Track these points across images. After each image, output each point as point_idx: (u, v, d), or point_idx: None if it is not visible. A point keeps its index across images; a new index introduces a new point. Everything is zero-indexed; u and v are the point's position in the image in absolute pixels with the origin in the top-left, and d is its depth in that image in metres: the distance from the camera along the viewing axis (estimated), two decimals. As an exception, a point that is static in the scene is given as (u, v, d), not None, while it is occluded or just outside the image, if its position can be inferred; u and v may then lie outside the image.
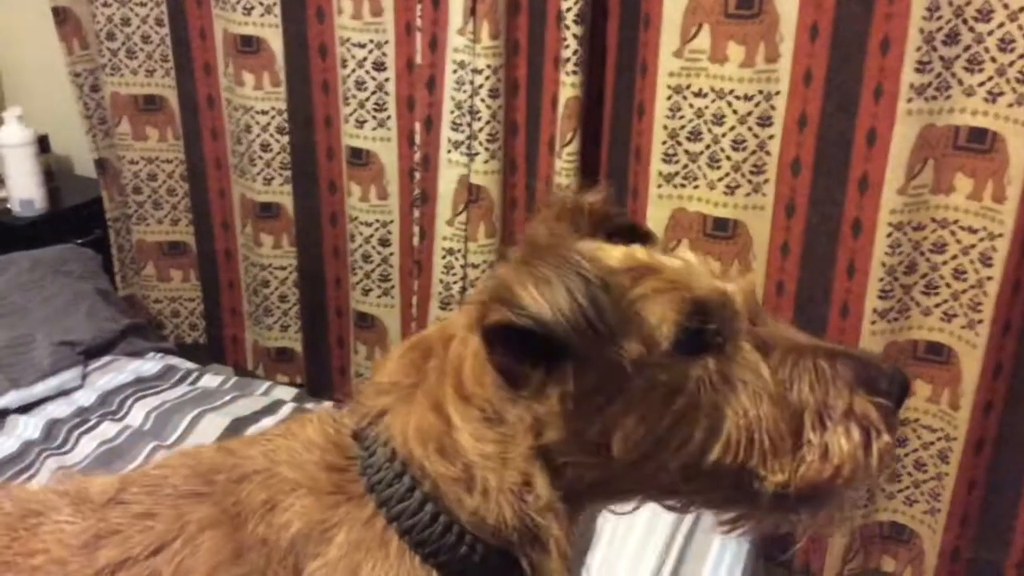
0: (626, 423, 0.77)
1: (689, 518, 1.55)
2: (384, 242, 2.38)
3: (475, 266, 2.19)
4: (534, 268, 0.72)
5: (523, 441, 0.78)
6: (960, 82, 1.70)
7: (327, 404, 2.00)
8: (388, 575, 0.80)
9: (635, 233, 0.93)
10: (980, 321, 1.80)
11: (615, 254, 0.82)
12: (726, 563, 1.46)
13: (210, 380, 2.05)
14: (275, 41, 2.32)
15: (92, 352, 2.09)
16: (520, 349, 0.76)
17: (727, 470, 0.80)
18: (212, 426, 1.80)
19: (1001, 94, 1.68)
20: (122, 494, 0.91)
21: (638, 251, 0.84)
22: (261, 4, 2.30)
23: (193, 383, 2.02)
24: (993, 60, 1.67)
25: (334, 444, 0.87)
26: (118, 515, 0.88)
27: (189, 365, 2.13)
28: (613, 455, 0.78)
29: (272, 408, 1.89)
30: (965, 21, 1.67)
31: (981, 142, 1.72)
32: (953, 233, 1.79)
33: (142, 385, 1.98)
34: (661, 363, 0.76)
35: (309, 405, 1.94)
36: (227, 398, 1.92)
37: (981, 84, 1.69)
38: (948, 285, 1.83)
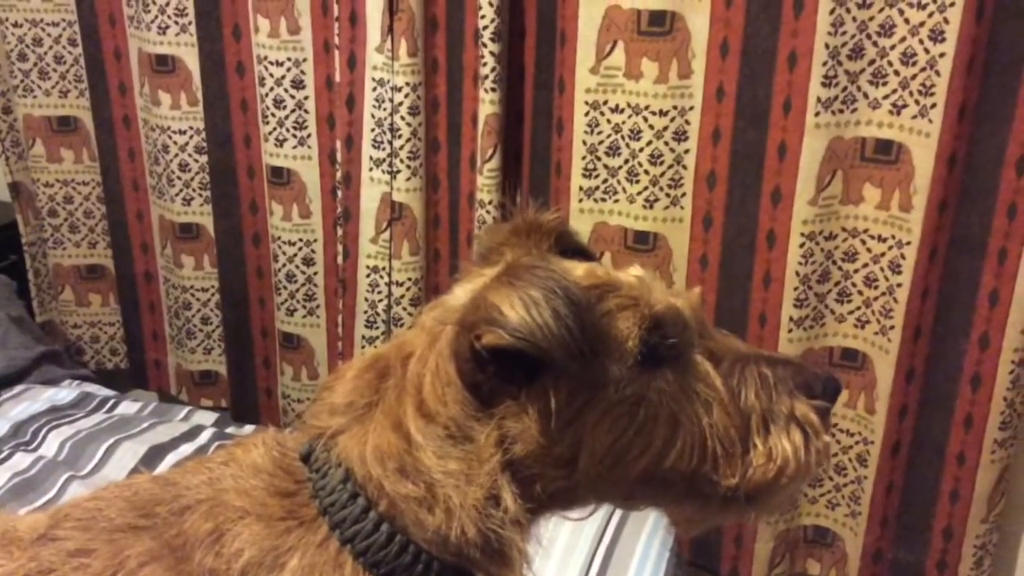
0: (594, 435, 0.80)
1: (611, 530, 1.56)
2: (308, 261, 2.36)
3: (399, 284, 2.18)
4: (520, 289, 0.74)
5: (490, 457, 0.79)
6: (865, 95, 1.75)
7: (248, 428, 1.97)
8: None
9: (582, 253, 0.97)
10: (892, 327, 1.84)
11: (578, 271, 0.84)
12: (647, 572, 1.47)
13: (128, 407, 2.00)
14: (191, 60, 2.29)
15: (4, 381, 2.02)
16: (501, 368, 0.77)
17: (681, 475, 0.84)
18: (129, 454, 1.75)
19: (905, 106, 1.73)
20: (53, 530, 0.88)
21: (597, 268, 0.87)
22: (176, 23, 2.27)
23: (110, 410, 1.97)
24: (896, 73, 1.72)
25: (281, 468, 0.86)
26: (50, 553, 0.85)
27: (106, 392, 2.08)
28: (579, 467, 0.81)
29: (192, 434, 1.85)
30: (869, 36, 1.72)
31: (887, 153, 1.77)
32: (863, 242, 1.84)
33: (57, 414, 1.92)
34: (628, 377, 0.80)
35: (229, 429, 1.91)
36: (144, 425, 1.87)
37: (886, 97, 1.74)
38: (860, 292, 1.87)
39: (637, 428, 0.81)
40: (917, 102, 1.72)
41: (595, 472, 0.82)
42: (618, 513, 1.61)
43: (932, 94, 1.69)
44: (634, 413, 0.80)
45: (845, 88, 1.74)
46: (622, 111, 1.89)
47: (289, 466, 0.87)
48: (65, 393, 2.04)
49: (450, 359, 0.80)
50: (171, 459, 1.74)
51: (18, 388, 2.03)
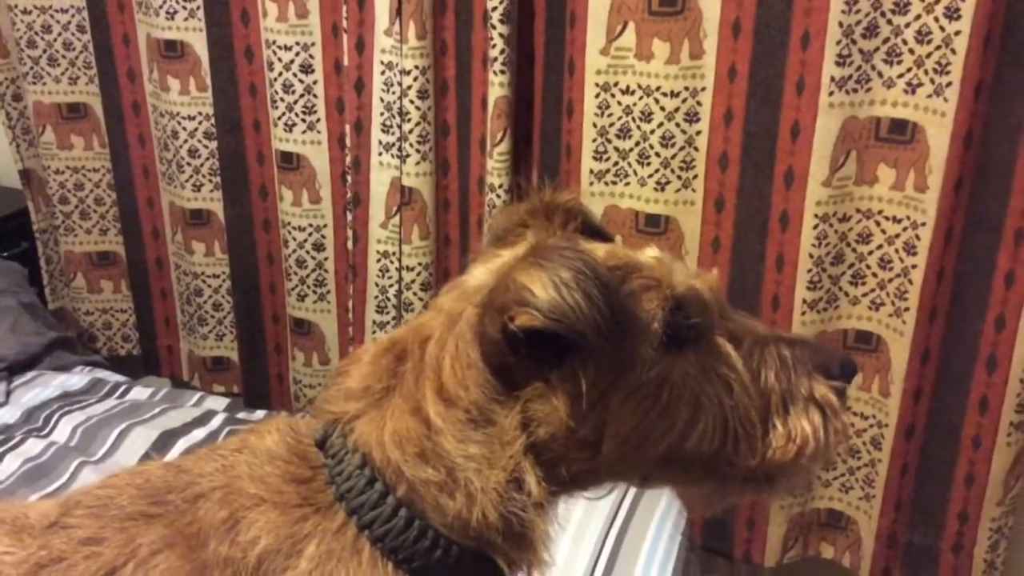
0: (619, 418, 0.79)
1: (623, 514, 1.55)
2: (318, 247, 2.35)
3: (410, 268, 2.18)
4: (549, 270, 0.73)
5: (514, 441, 0.78)
6: (880, 74, 1.73)
7: (260, 414, 1.97)
8: None
9: (598, 234, 0.96)
10: (907, 309, 1.82)
11: (600, 252, 0.83)
12: (659, 556, 1.46)
13: (139, 392, 2.00)
14: (200, 45, 2.28)
15: (16, 368, 2.03)
16: (532, 350, 0.77)
17: (701, 456, 0.84)
18: (140, 439, 1.75)
19: (920, 85, 1.71)
20: (64, 518, 0.87)
21: (617, 249, 0.86)
22: (184, 8, 2.25)
23: (122, 396, 1.97)
24: (911, 52, 1.70)
25: (296, 455, 0.86)
26: (61, 541, 0.85)
27: (118, 378, 2.08)
28: (602, 449, 0.80)
29: (203, 419, 1.86)
30: (883, 14, 1.69)
31: (902, 133, 1.75)
32: (878, 223, 1.82)
33: (68, 400, 1.93)
34: (653, 359, 0.79)
35: (241, 415, 1.91)
36: (156, 410, 1.88)
37: (900, 76, 1.72)
38: (875, 274, 1.85)
39: (661, 410, 0.80)
40: (932, 81, 1.69)
41: (618, 454, 0.81)
42: (629, 497, 1.61)
43: (947, 72, 1.66)
44: (658, 395, 0.80)
45: (859, 67, 1.72)
46: (633, 93, 1.87)
47: (304, 452, 0.86)
48: (77, 379, 2.04)
49: (473, 341, 0.79)
50: (182, 444, 1.75)
51: (30, 374, 2.04)
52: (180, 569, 0.81)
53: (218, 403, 2.00)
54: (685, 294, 0.82)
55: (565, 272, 0.72)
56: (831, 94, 1.73)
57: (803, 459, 0.85)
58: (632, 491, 1.62)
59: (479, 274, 0.87)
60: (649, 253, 0.86)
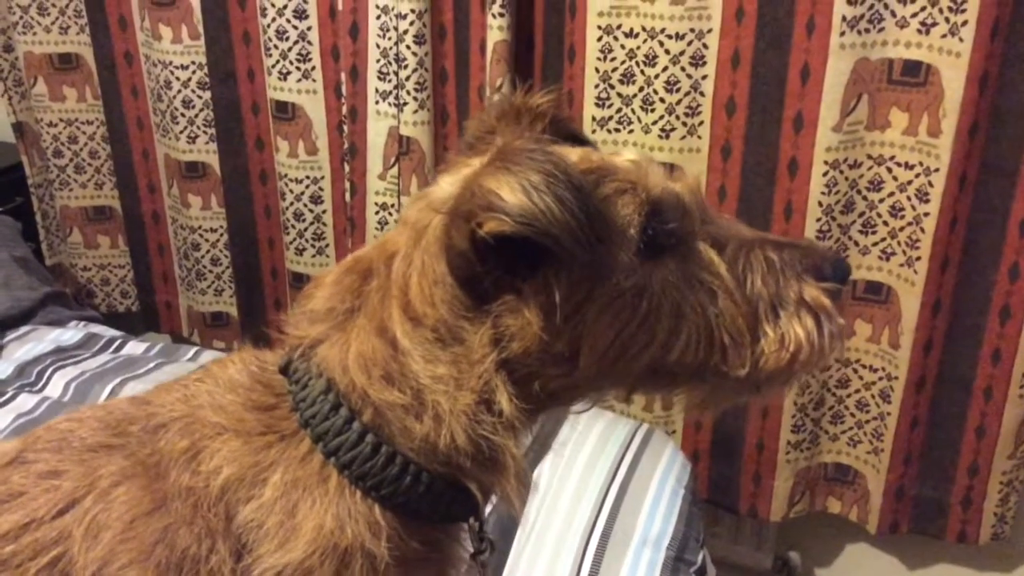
0: (596, 330, 0.76)
1: (626, 465, 1.52)
2: (316, 199, 2.30)
3: (409, 220, 2.12)
4: (518, 173, 0.68)
5: (484, 358, 0.75)
6: (893, 14, 1.66)
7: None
8: (328, 512, 0.77)
9: (576, 139, 0.91)
10: (918, 258, 1.77)
11: (572, 156, 0.78)
12: (661, 509, 1.43)
13: (134, 347, 1.97)
14: (191, -8, 2.22)
15: (9, 322, 2.00)
16: (502, 260, 0.73)
17: (687, 367, 0.80)
18: (134, 394, 1.72)
19: (934, 24, 1.64)
20: (24, 453, 0.86)
21: (592, 152, 0.82)
22: (175, -47, 2.19)
23: (116, 351, 1.94)
24: (926, -10, 1.63)
25: (259, 383, 0.83)
26: (20, 476, 0.83)
27: (112, 332, 2.05)
28: (580, 363, 0.77)
29: (199, 373, 1.82)
30: (897, -49, 1.62)
31: (915, 75, 1.69)
32: (890, 170, 1.76)
33: (62, 355, 1.90)
34: (630, 267, 0.75)
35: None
36: (151, 365, 1.85)
37: (914, 15, 1.65)
38: (886, 223, 1.80)
39: (640, 321, 0.77)
40: (947, 19, 1.62)
41: (596, 368, 0.78)
42: (632, 450, 1.57)
43: (963, 11, 1.60)
44: (636, 306, 0.76)
45: (871, 6, 1.65)
46: (637, 35, 1.81)
47: (268, 380, 0.84)
48: (71, 334, 2.01)
49: (439, 255, 0.76)
50: (177, 399, 1.71)
51: (23, 329, 2.01)
52: (140, 500, 0.79)
53: (214, 357, 1.97)
54: (662, 197, 0.78)
55: (534, 175, 0.68)
56: (842, 35, 1.66)
57: (797, 365, 0.81)
58: (635, 445, 1.59)
59: (446, 184, 0.82)
60: (626, 156, 0.82)
